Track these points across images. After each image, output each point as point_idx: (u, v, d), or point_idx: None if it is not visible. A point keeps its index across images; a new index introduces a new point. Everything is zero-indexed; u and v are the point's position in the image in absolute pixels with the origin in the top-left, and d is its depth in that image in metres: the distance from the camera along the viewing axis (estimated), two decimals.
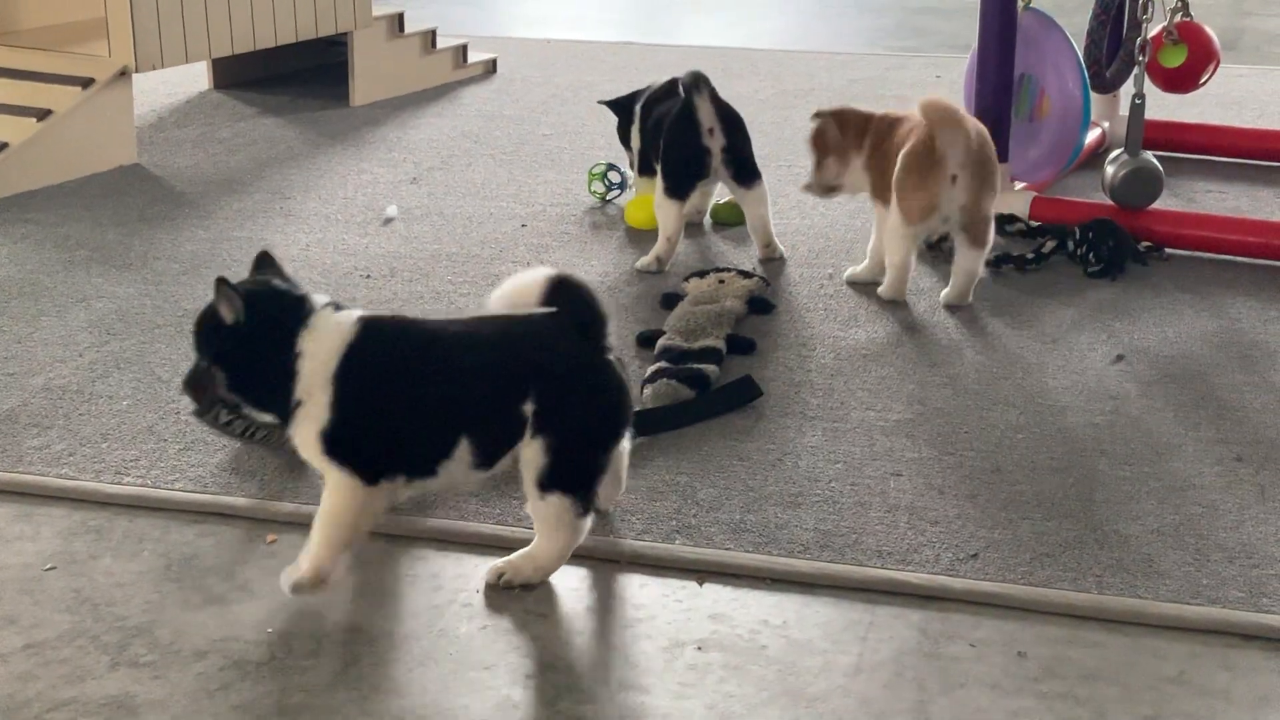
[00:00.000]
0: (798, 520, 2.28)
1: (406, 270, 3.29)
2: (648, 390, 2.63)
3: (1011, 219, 3.43)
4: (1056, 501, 2.33)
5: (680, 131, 3.22)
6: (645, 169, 3.48)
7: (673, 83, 3.36)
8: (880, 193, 3.11)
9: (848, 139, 3.18)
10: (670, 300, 3.04)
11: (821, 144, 3.22)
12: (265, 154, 4.16)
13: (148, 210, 3.69)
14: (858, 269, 3.20)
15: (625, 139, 3.62)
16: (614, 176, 3.75)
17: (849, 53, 5.42)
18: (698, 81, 3.19)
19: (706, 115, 3.20)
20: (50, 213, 3.65)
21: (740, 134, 3.25)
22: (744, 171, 3.26)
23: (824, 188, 3.25)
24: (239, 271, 3.24)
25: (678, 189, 3.26)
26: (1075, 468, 2.43)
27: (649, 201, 3.45)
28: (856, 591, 2.12)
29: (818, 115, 3.24)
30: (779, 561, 2.18)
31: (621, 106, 3.61)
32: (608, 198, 3.76)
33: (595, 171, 3.77)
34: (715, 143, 3.21)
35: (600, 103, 3.73)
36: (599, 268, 3.30)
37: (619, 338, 2.90)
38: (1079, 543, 2.21)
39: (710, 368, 2.71)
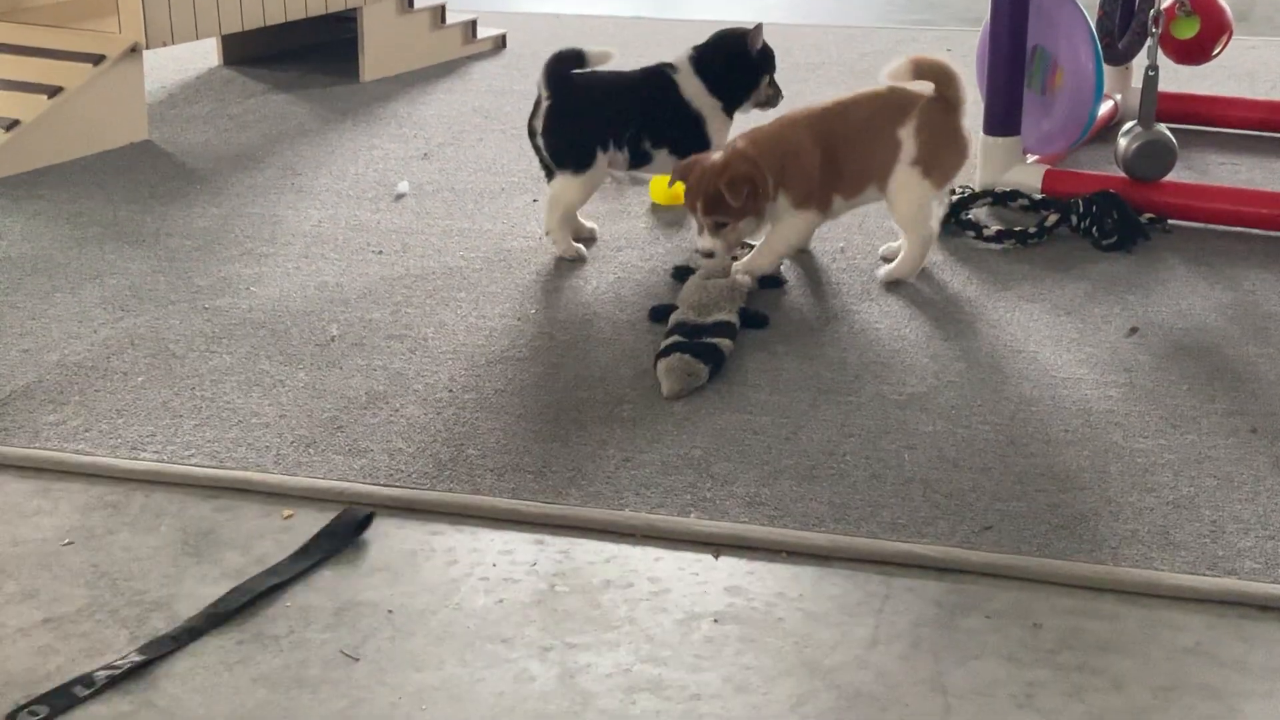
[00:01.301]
0: (813, 493, 2.28)
1: (418, 246, 3.29)
2: (661, 364, 2.63)
3: (1015, 194, 3.42)
4: (1071, 474, 2.33)
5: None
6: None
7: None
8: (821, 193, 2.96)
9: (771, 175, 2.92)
10: (682, 273, 3.05)
11: (743, 202, 2.87)
12: (276, 130, 4.16)
13: (159, 187, 3.69)
14: (891, 266, 3.08)
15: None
16: None
17: (859, 26, 5.40)
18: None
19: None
20: (62, 190, 3.66)
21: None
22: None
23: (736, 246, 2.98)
24: (251, 248, 3.26)
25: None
26: (1090, 440, 2.43)
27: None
28: (872, 564, 2.13)
29: (733, 182, 2.84)
30: (794, 534, 2.18)
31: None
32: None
33: None
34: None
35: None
36: (612, 242, 3.29)
37: (633, 312, 2.92)
38: (1094, 514, 2.22)
39: (724, 341, 2.71)
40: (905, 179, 2.98)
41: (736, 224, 2.90)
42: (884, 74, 3.02)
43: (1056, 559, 2.11)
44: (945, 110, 2.98)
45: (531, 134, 3.22)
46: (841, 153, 2.95)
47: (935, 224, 3.06)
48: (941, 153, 2.98)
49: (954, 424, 2.49)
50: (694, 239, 3.04)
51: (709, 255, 2.93)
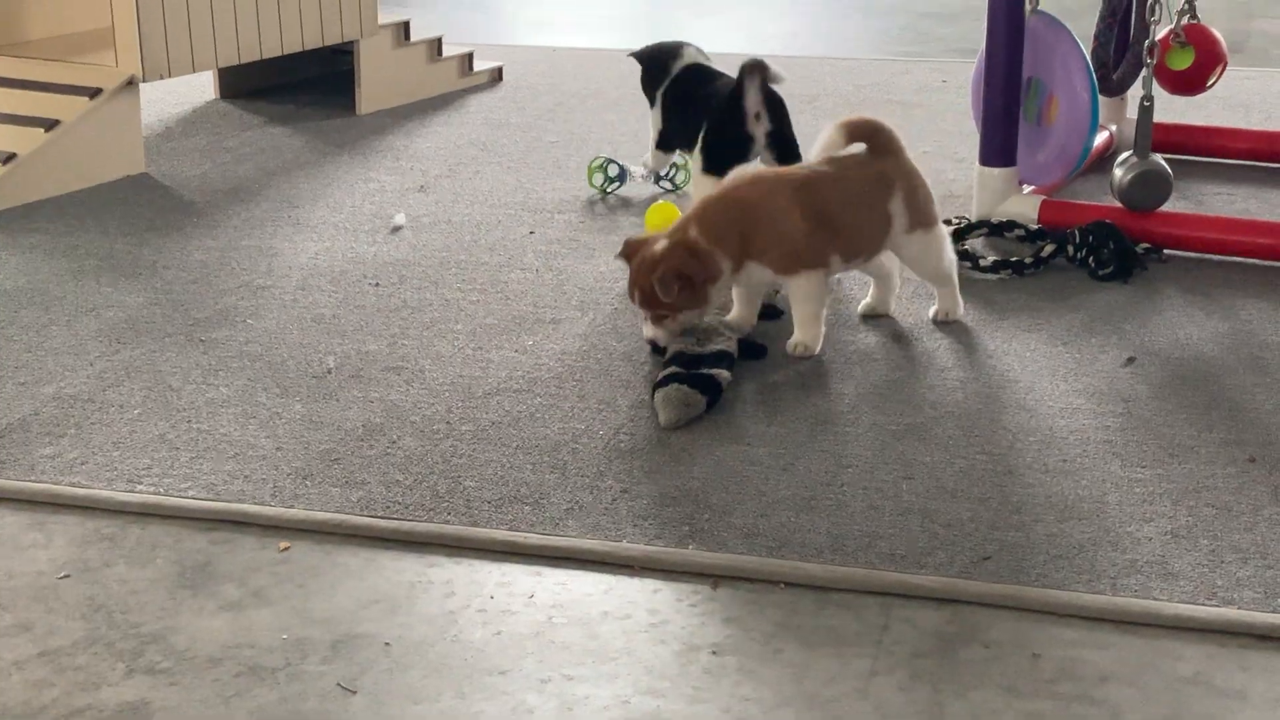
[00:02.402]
0: (811, 524, 2.28)
1: (415, 278, 3.30)
2: (658, 395, 2.63)
3: (1011, 224, 3.43)
4: (1069, 504, 2.33)
5: (728, 118, 3.36)
6: (666, 144, 3.67)
7: (696, 67, 3.60)
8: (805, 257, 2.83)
9: (717, 253, 2.77)
10: None
11: (680, 291, 2.74)
12: (272, 163, 4.17)
13: (156, 219, 3.70)
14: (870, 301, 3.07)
15: (652, 92, 3.69)
16: (612, 169, 3.86)
17: (854, 58, 5.43)
18: (753, 68, 3.33)
19: (753, 102, 3.34)
20: (59, 222, 3.66)
21: (784, 119, 3.39)
22: (787, 153, 3.38)
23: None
24: (248, 281, 3.27)
25: (718, 168, 3.36)
26: (1088, 470, 2.43)
27: (669, 209, 3.48)
28: (870, 595, 2.13)
29: (663, 279, 2.70)
30: (792, 565, 2.18)
31: (656, 63, 3.69)
32: (607, 190, 3.86)
33: (594, 164, 3.88)
34: (760, 128, 3.35)
35: (631, 55, 3.77)
36: (607, 274, 3.30)
37: (631, 343, 2.92)
38: (1093, 544, 2.22)
39: (721, 372, 2.72)
40: (918, 243, 2.92)
41: (675, 315, 2.76)
42: (816, 150, 2.89)
43: (1055, 589, 2.11)
44: (902, 162, 2.91)
45: (749, 140, 3.34)
46: (835, 220, 2.83)
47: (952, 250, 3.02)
48: (925, 199, 2.92)
49: (952, 454, 2.49)
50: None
51: (653, 345, 2.81)
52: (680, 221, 2.83)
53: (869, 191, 2.88)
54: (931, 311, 3.02)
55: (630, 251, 2.81)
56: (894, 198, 2.88)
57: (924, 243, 2.93)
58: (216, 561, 2.23)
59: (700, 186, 3.42)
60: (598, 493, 2.38)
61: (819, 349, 2.87)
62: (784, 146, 3.36)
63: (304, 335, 3.00)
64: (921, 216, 2.92)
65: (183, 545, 2.27)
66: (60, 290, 3.24)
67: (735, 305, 2.95)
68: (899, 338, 2.96)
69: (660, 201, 3.61)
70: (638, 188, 3.91)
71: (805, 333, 2.87)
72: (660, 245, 2.76)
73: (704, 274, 2.74)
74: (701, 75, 3.63)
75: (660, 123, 3.69)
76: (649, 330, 2.80)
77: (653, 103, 3.70)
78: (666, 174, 3.91)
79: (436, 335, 2.99)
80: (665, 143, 3.72)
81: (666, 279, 2.71)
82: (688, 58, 3.66)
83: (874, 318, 3.05)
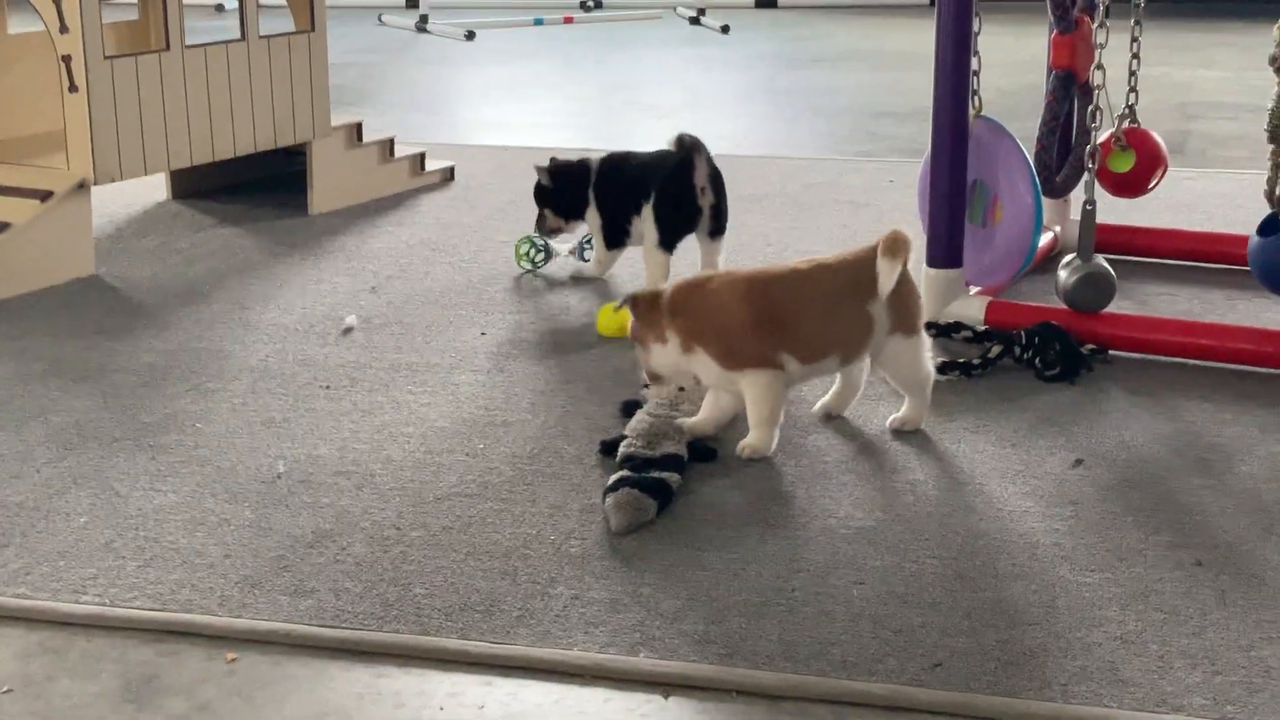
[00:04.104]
0: (762, 630, 2.28)
1: (366, 380, 3.29)
2: (609, 499, 2.63)
3: (958, 326, 3.46)
4: (1019, 609, 2.33)
5: (679, 189, 3.67)
6: (616, 240, 3.85)
7: (614, 157, 3.86)
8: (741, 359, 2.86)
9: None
10: (630, 408, 3.05)
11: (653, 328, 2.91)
12: (224, 264, 4.16)
13: (105, 321, 3.68)
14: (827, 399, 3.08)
15: (578, 197, 3.87)
16: (538, 241, 4.04)
17: (802, 157, 5.49)
18: (697, 144, 3.63)
19: (700, 175, 3.64)
20: (7, 325, 3.64)
21: (724, 193, 3.73)
22: (719, 226, 3.73)
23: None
24: (197, 384, 3.25)
25: (671, 242, 3.73)
26: (1037, 574, 2.44)
27: (621, 312, 3.49)
28: (823, 703, 2.12)
29: (628, 297, 2.93)
30: (744, 674, 2.17)
31: (571, 170, 3.90)
32: (536, 261, 4.04)
33: (521, 248, 4.06)
34: (705, 201, 3.67)
35: (539, 167, 3.93)
36: (560, 375, 3.30)
37: (582, 445, 2.92)
38: (1042, 651, 2.22)
39: (672, 476, 2.72)
40: (896, 349, 2.92)
41: (646, 348, 2.89)
42: (885, 287, 2.84)
43: (1006, 696, 2.11)
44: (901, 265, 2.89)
45: (699, 213, 3.68)
46: (790, 320, 2.85)
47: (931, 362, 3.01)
48: (912, 305, 2.93)
49: (902, 558, 2.49)
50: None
51: (624, 410, 2.94)
52: (666, 289, 2.94)
53: (845, 291, 2.88)
54: (892, 419, 3.01)
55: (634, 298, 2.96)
56: (875, 300, 2.87)
57: (905, 349, 2.93)
58: (163, 674, 2.20)
59: (655, 262, 3.69)
60: (549, 599, 2.36)
61: (771, 452, 2.87)
62: (721, 220, 3.72)
63: (254, 439, 2.98)
64: (905, 321, 2.91)
65: (128, 657, 2.24)
66: (7, 394, 3.21)
67: (703, 407, 2.96)
68: (850, 439, 2.97)
69: (610, 304, 3.61)
70: (564, 266, 4.04)
71: (756, 435, 2.88)
72: (643, 293, 2.93)
73: (646, 313, 2.87)
74: (624, 161, 3.84)
75: (601, 220, 3.82)
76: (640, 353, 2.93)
77: (578, 211, 3.87)
78: (583, 243, 4.07)
79: (387, 439, 2.98)
80: (615, 239, 3.80)
81: (628, 297, 2.91)
82: (595, 159, 3.87)
83: (829, 419, 3.05)
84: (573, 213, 3.90)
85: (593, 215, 3.88)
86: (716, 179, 3.71)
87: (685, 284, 2.92)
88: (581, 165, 3.91)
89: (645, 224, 3.76)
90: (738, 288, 2.87)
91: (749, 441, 2.88)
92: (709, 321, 2.85)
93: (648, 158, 3.81)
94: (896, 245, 2.86)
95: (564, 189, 3.89)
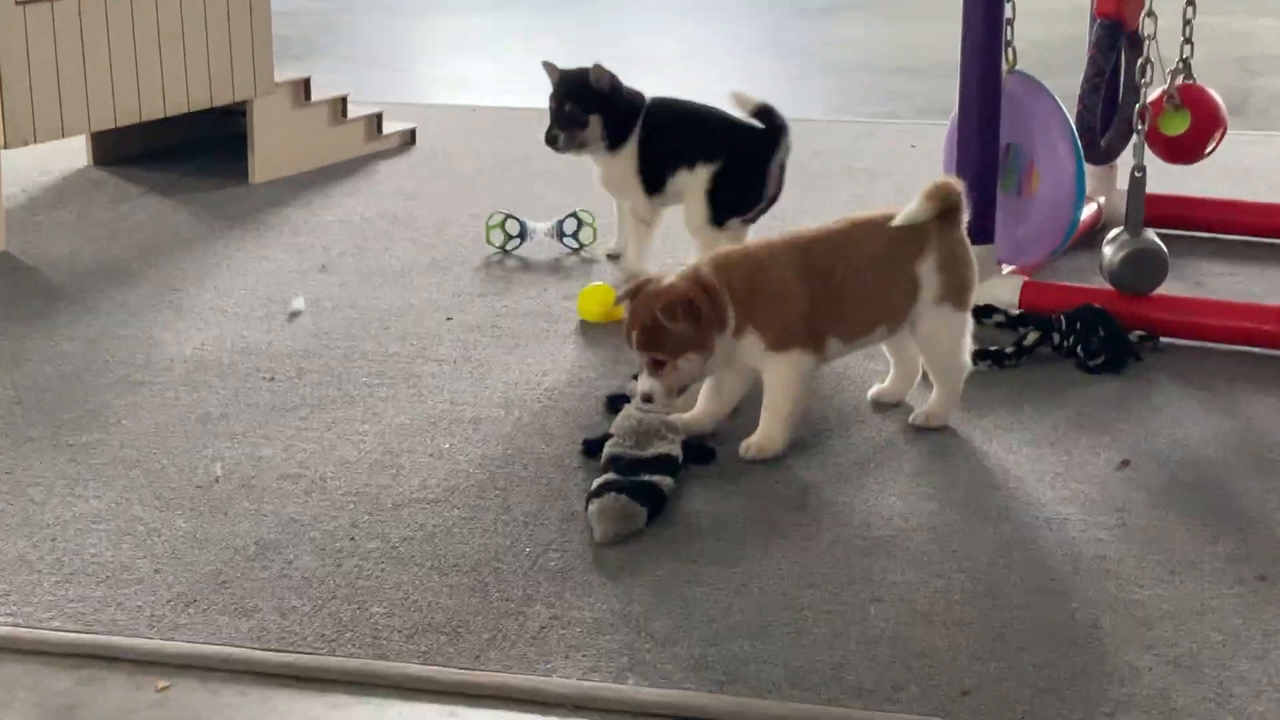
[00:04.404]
0: (766, 654, 2.28)
1: (316, 371, 3.29)
2: (593, 506, 2.63)
3: (990, 309, 3.46)
4: (1059, 628, 2.34)
5: (753, 167, 3.68)
6: (656, 185, 3.77)
7: (660, 98, 3.79)
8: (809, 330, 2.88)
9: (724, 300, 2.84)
10: (616, 403, 3.04)
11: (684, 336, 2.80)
12: (153, 239, 4.16)
13: (19, 305, 3.67)
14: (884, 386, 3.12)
15: (611, 117, 3.75)
16: (512, 226, 4.00)
17: (811, 119, 5.48)
18: (785, 124, 3.68)
19: (781, 159, 3.71)
20: None
21: (783, 183, 3.76)
22: (762, 212, 3.77)
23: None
24: (124, 375, 3.24)
25: (723, 219, 3.71)
26: (1079, 590, 2.44)
27: (605, 292, 3.50)
28: None
29: (669, 306, 2.76)
30: (747, 703, 2.17)
31: (628, 94, 3.78)
32: (508, 247, 4.00)
33: (493, 222, 4.01)
34: (772, 188, 3.73)
35: (597, 65, 3.77)
36: (535, 366, 3.30)
37: (561, 445, 2.92)
38: (1085, 676, 2.22)
39: (665, 479, 2.72)
40: (938, 320, 2.95)
41: (675, 361, 2.79)
42: (902, 219, 2.90)
43: None
44: (953, 226, 2.95)
45: (759, 199, 3.72)
46: (840, 290, 2.88)
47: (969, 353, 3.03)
48: (965, 275, 2.96)
49: (926, 572, 2.50)
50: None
51: (647, 400, 2.82)
52: (691, 267, 2.89)
53: (891, 252, 2.91)
54: (915, 414, 3.02)
55: (634, 290, 2.85)
56: (925, 260, 2.91)
57: (949, 323, 2.95)
58: (85, 704, 2.20)
59: (707, 240, 3.63)
60: (524, 619, 2.36)
61: (780, 451, 2.87)
62: (768, 208, 3.76)
63: (187, 438, 2.98)
64: (955, 292, 2.94)
65: (45, 686, 2.24)
66: None
67: (701, 399, 2.96)
68: (867, 437, 2.98)
69: (593, 284, 3.62)
70: (541, 247, 4.02)
71: (769, 430, 2.88)
72: (670, 280, 2.83)
73: (712, 313, 2.79)
74: (680, 107, 3.80)
75: (638, 163, 3.76)
76: (644, 383, 2.82)
77: (622, 134, 3.75)
78: (571, 232, 4.03)
79: (340, 437, 2.98)
80: (655, 184, 3.77)
81: (672, 305, 2.75)
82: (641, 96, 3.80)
83: (883, 407, 3.08)
84: (617, 134, 3.73)
85: (630, 152, 3.74)
86: (784, 166, 3.73)
87: (732, 260, 2.88)
88: (634, 91, 3.80)
89: (693, 188, 3.70)
90: (791, 258, 2.88)
91: (757, 439, 2.88)
92: (767, 298, 2.84)
93: (717, 115, 3.74)
94: (938, 190, 2.89)
95: (620, 104, 3.74)
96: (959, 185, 2.94)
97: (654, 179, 3.75)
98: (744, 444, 2.88)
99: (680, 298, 2.77)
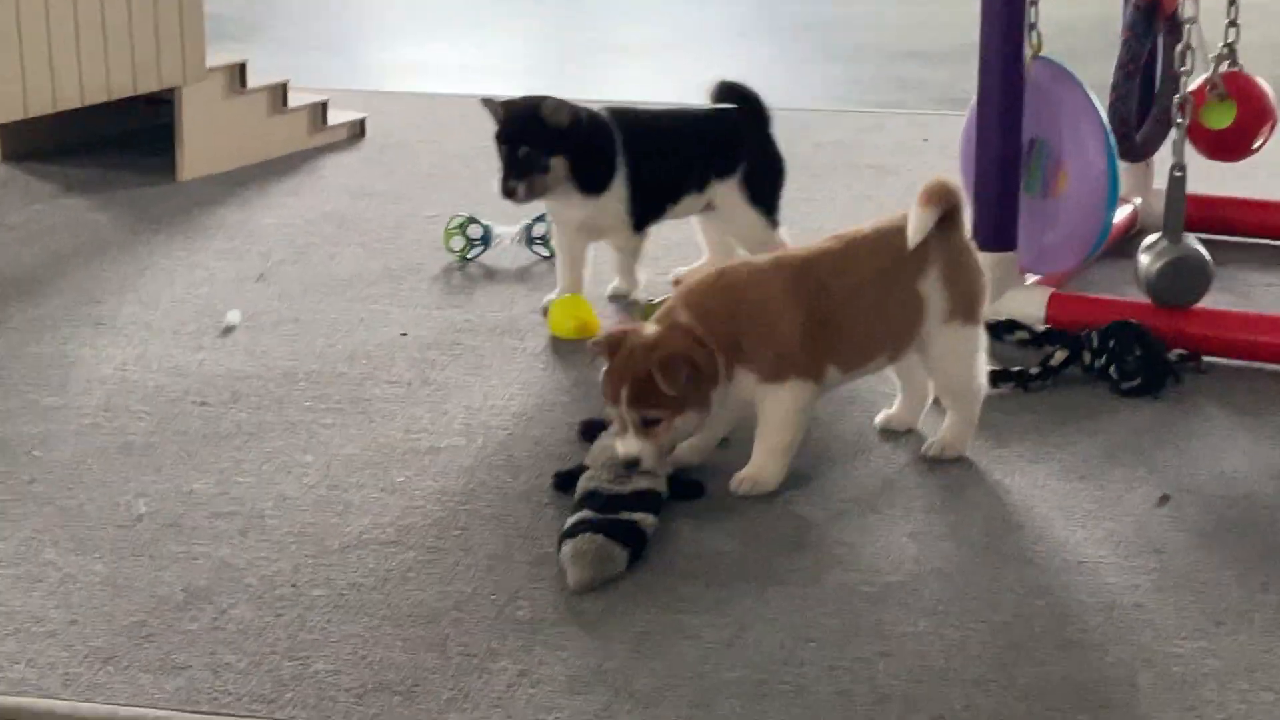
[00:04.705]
0: (762, 715, 2.28)
1: (253, 394, 3.28)
2: (567, 547, 2.63)
3: (1013, 325, 3.47)
4: (1091, 688, 2.34)
5: (771, 151, 3.79)
6: (648, 218, 3.71)
7: (620, 111, 3.68)
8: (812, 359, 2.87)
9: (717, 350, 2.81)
10: (591, 430, 3.03)
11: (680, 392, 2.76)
12: (69, 245, 4.15)
13: None
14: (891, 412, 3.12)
15: (584, 161, 3.58)
16: (474, 230, 4.02)
17: (813, 109, 5.50)
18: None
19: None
20: None
21: None
22: None
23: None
24: (34, 400, 3.23)
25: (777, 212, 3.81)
26: (1113, 643, 2.44)
27: (578, 305, 3.50)
28: None
29: (667, 363, 2.72)
30: None
31: (597, 124, 3.62)
32: (469, 255, 4.02)
33: (453, 226, 4.03)
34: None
35: (548, 100, 3.56)
36: (501, 388, 3.30)
37: (530, 480, 2.92)
38: None
39: (647, 517, 2.71)
40: (948, 340, 2.94)
41: (672, 420, 2.77)
42: (913, 235, 2.88)
43: None
44: (954, 231, 2.94)
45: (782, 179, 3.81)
46: (838, 314, 2.87)
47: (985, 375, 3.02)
48: (974, 285, 2.96)
49: (941, 623, 2.50)
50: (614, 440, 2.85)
51: (631, 464, 2.77)
52: (666, 310, 2.85)
53: (891, 269, 2.90)
54: (929, 444, 3.02)
55: (613, 342, 2.80)
56: (927, 275, 2.91)
57: (961, 341, 2.95)
58: None
59: (773, 246, 3.59)
60: (488, 676, 2.36)
61: (776, 487, 2.88)
62: None
63: (107, 471, 2.97)
64: (963, 305, 2.94)
65: None
66: None
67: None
68: (875, 470, 2.98)
69: (565, 296, 3.61)
70: (506, 255, 4.03)
71: (762, 465, 2.87)
72: (654, 331, 2.79)
73: (711, 370, 2.78)
74: (655, 121, 3.76)
75: (629, 193, 3.62)
76: (631, 445, 2.77)
77: (604, 178, 3.59)
78: (541, 236, 4.03)
79: (280, 470, 2.97)
80: (647, 218, 3.70)
81: (674, 364, 2.72)
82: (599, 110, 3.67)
83: (891, 435, 3.08)
84: (596, 175, 3.58)
85: (619, 193, 3.61)
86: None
87: (706, 294, 2.84)
88: (600, 119, 3.61)
89: (729, 203, 3.69)
90: (782, 279, 2.86)
91: (750, 472, 2.88)
92: (757, 326, 2.82)
93: (700, 117, 3.73)
94: (935, 193, 2.89)
95: (588, 141, 3.56)
96: (955, 183, 2.94)
97: (651, 213, 3.69)
98: (736, 478, 2.89)
99: (682, 357, 2.74)
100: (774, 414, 2.87)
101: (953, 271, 2.93)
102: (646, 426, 2.78)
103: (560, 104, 3.52)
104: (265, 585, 2.60)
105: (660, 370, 2.72)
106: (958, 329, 2.95)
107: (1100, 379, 3.32)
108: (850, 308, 2.89)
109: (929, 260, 2.91)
